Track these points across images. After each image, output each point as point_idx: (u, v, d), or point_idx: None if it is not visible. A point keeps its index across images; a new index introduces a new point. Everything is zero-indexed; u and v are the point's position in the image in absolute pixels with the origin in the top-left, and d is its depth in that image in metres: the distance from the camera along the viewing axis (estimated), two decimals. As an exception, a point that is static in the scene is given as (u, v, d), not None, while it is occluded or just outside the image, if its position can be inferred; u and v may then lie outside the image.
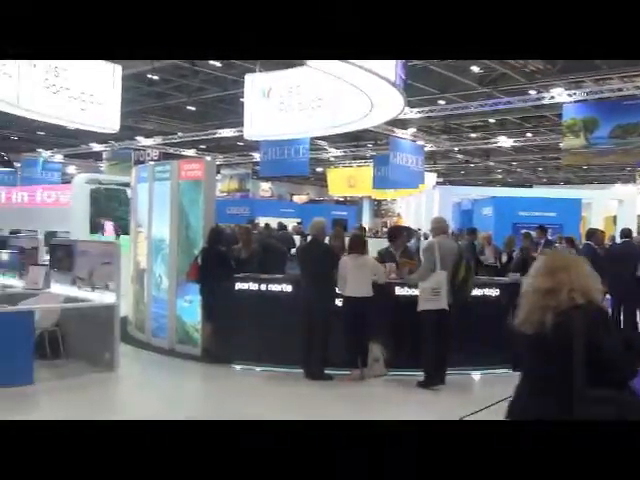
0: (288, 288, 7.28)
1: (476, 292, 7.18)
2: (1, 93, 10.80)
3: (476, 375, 7.20)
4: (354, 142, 26.48)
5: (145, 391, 6.57)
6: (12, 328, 6.14)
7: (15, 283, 7.83)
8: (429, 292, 6.40)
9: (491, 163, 31.25)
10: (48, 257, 7.98)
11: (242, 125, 13.94)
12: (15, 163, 28.71)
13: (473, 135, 24.69)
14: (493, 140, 24.25)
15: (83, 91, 11.98)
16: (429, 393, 6.40)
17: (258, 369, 7.16)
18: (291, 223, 20.26)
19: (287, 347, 7.03)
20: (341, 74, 9.05)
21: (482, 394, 6.66)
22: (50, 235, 10.46)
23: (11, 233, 11.39)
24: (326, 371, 6.84)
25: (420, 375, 6.57)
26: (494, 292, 7.38)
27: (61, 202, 12.62)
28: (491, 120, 21.91)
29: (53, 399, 6.15)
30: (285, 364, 7.08)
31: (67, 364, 7.05)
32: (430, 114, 18.54)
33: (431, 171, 28.22)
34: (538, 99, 16.26)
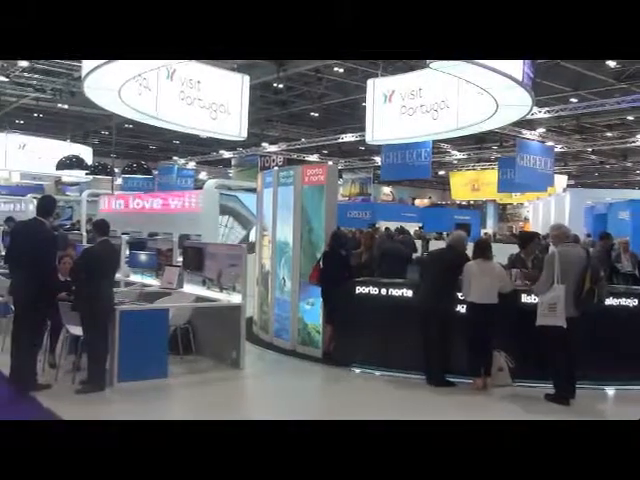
0: (409, 293, 7.21)
1: (612, 302, 6.72)
2: (142, 106, 11.62)
3: (610, 390, 6.73)
4: (478, 144, 25.75)
5: (269, 390, 6.79)
6: (149, 324, 6.59)
7: (152, 282, 8.39)
8: (546, 307, 6.06)
9: (629, 164, 29.12)
10: (181, 258, 8.47)
11: (364, 130, 14.00)
12: (153, 170, 30.78)
13: (609, 134, 23.16)
14: (631, 139, 22.58)
15: (214, 101, 12.59)
16: (556, 407, 6.07)
17: (378, 373, 7.15)
18: (412, 227, 20.03)
19: (408, 352, 6.96)
20: (464, 74, 8.83)
21: (613, 412, 6.23)
22: (183, 238, 11.08)
23: (149, 236, 12.19)
24: (448, 378, 6.71)
25: (548, 387, 6.25)
26: (632, 302, 6.86)
27: (193, 207, 13.35)
28: (629, 117, 20.43)
29: (186, 393, 6.52)
30: (405, 369, 7.02)
31: (197, 360, 7.44)
32: (561, 113, 17.61)
33: (561, 173, 26.79)
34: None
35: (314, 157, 29.35)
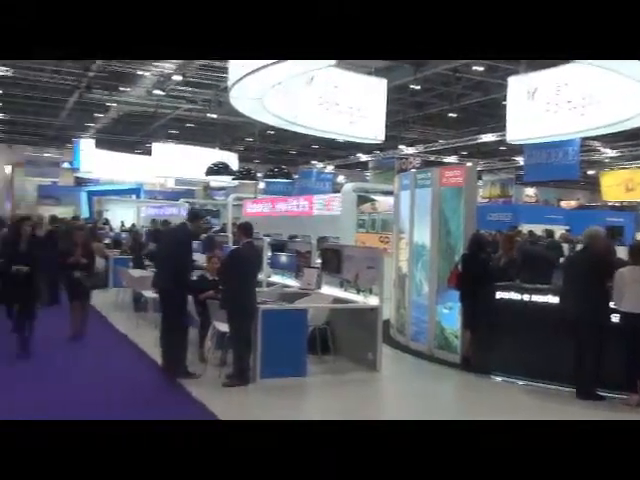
0: (554, 299, 6.83)
1: None
2: (283, 113, 12.08)
3: None
4: (632, 141, 23.81)
5: (406, 393, 6.76)
6: (290, 324, 6.81)
7: (292, 283, 8.67)
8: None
9: None
10: (320, 260, 8.67)
11: (504, 129, 13.52)
12: (293, 175, 31.80)
13: None
14: None
15: (351, 105, 12.78)
16: None
17: (520, 383, 6.85)
18: (559, 230, 18.97)
19: (553, 362, 6.60)
20: (615, 66, 8.22)
21: None
22: (322, 240, 11.34)
23: (289, 238, 12.62)
24: (599, 392, 6.27)
25: None
26: None
27: (331, 210, 13.65)
28: None
29: (324, 392, 6.68)
30: (551, 380, 6.66)
31: (335, 360, 7.57)
32: None
33: None
34: None
35: (452, 158, 28.77)
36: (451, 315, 7.83)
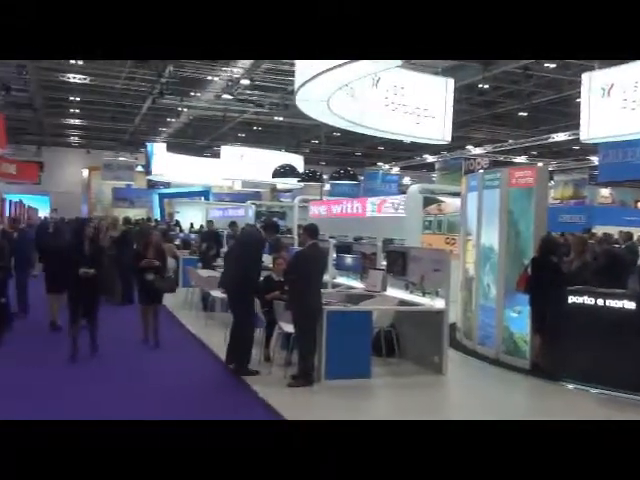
0: (630, 305, 6.53)
1: None
2: (349, 115, 12.11)
3: None
4: None
5: (472, 398, 6.62)
6: (354, 325, 6.81)
7: (357, 285, 8.67)
8: None
9: None
10: (385, 262, 8.63)
11: (577, 128, 13.07)
12: (359, 176, 31.82)
13: None
14: None
15: (418, 106, 12.69)
16: None
17: (594, 391, 6.59)
18: (637, 233, 18.14)
19: (629, 370, 6.30)
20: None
21: None
22: (387, 242, 11.29)
23: (354, 239, 12.62)
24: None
25: None
26: None
27: (397, 211, 13.56)
28: None
29: (389, 394, 6.65)
30: (626, 389, 6.36)
31: (400, 363, 7.51)
32: None
33: None
34: None
35: (522, 158, 28.05)
36: (520, 319, 7.63)
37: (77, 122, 30.52)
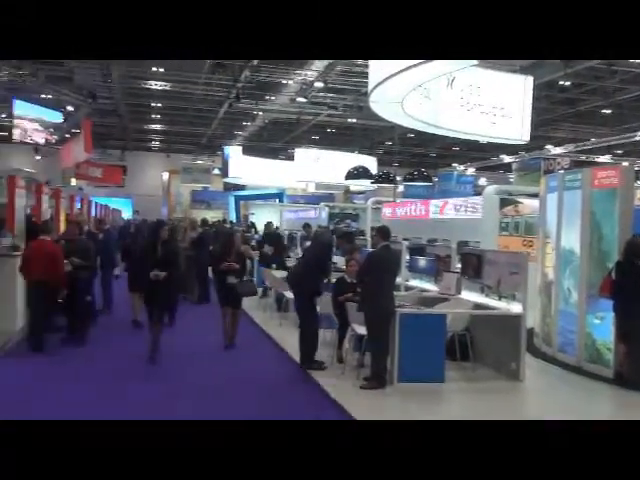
0: None
1: None
2: (423, 115, 11.98)
3: None
4: None
5: (551, 407, 6.38)
6: (428, 328, 6.74)
7: (431, 287, 8.57)
8: None
9: None
10: (459, 265, 8.47)
11: (668, 125, 12.41)
12: (433, 178, 31.42)
13: None
14: None
15: (494, 105, 12.40)
16: None
17: (683, 403, 6.22)
18: None
19: None
20: None
21: None
22: (462, 244, 11.09)
23: (428, 242, 12.48)
24: None
25: None
26: None
27: (472, 213, 13.30)
28: None
29: (463, 399, 6.52)
30: None
31: (474, 368, 7.36)
32: None
33: None
34: None
35: (605, 158, 26.87)
36: (603, 326, 7.31)
37: (158, 127, 31.73)
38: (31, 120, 22.11)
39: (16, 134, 22.01)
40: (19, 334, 8.50)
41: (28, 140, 23.01)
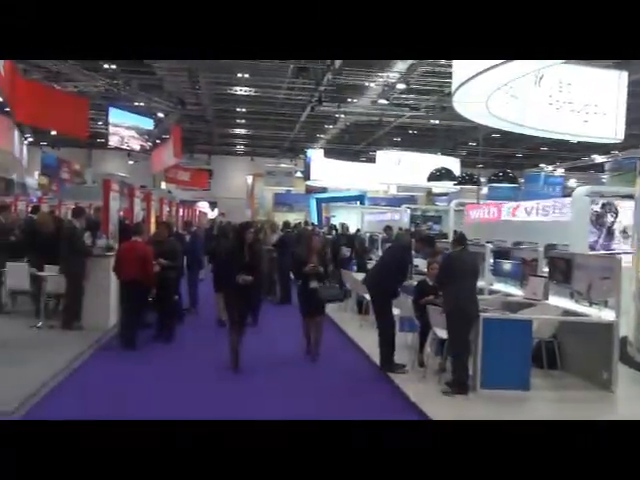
0: None
1: None
2: (509, 115, 11.65)
3: None
4: None
5: (645, 419, 6.04)
6: (512, 334, 6.55)
7: (516, 292, 8.31)
8: None
9: None
10: (547, 269, 8.17)
11: None
12: (519, 179, 30.46)
13: None
14: None
15: (586, 103, 11.88)
16: None
17: None
18: None
19: None
20: None
21: None
22: (549, 247, 10.68)
23: (513, 245, 12.10)
24: None
25: None
26: None
27: (561, 216, 12.78)
28: None
29: (549, 408, 6.26)
30: None
31: (562, 376, 7.08)
32: None
33: None
34: None
35: None
36: None
37: (242, 131, 32.54)
38: (127, 128, 23.24)
39: (113, 140, 23.17)
40: (112, 330, 8.95)
41: (125, 147, 24.20)
